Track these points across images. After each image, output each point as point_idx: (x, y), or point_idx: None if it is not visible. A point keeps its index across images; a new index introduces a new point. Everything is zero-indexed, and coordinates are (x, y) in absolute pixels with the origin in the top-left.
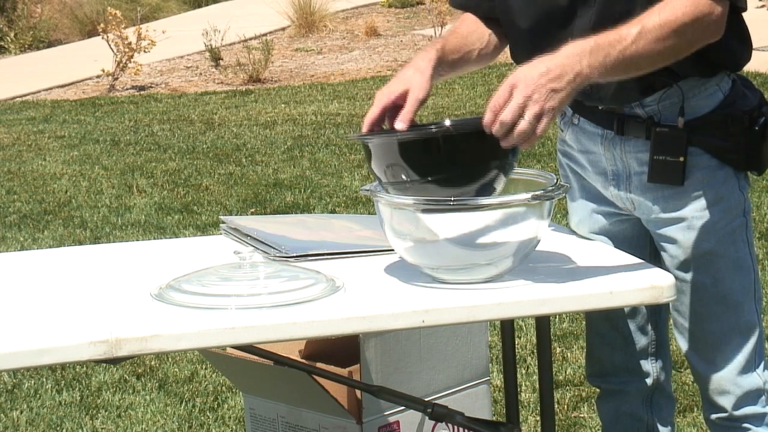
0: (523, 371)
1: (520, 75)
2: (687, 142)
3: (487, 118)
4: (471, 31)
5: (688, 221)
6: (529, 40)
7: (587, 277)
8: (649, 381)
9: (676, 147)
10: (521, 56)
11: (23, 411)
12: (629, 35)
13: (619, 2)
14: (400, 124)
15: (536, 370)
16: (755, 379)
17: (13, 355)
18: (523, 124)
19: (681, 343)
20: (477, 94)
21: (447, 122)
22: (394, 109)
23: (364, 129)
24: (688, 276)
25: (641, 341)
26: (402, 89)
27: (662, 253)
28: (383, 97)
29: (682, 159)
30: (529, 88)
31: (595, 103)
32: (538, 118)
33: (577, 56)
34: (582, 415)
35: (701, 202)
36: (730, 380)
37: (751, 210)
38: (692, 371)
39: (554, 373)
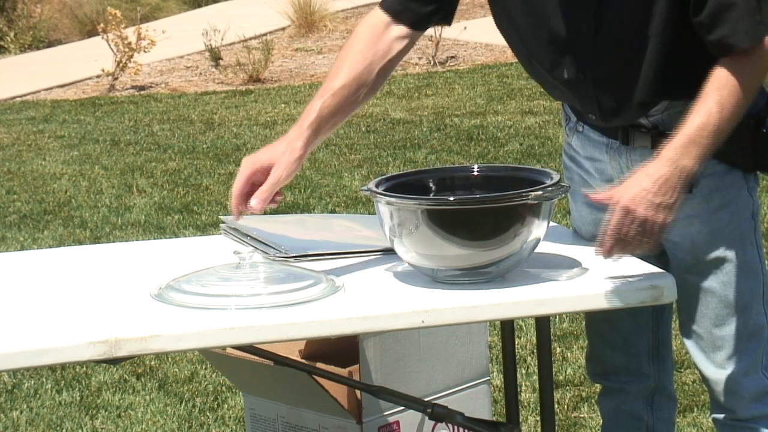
0: (523, 371)
1: (629, 195)
2: None
3: (606, 244)
4: (354, 76)
5: (696, 227)
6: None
7: (587, 277)
8: (650, 382)
9: None
10: (521, 54)
11: (23, 411)
12: (710, 116)
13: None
14: (254, 201)
15: (536, 370)
16: (763, 380)
17: (13, 355)
18: (643, 244)
19: (688, 344)
20: (477, 94)
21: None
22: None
23: (233, 208)
24: (696, 280)
25: (642, 342)
26: (268, 163)
27: (670, 257)
28: (247, 167)
29: None
30: (641, 207)
31: (596, 123)
32: (660, 230)
33: (675, 158)
34: (582, 415)
35: (709, 208)
36: (737, 382)
37: (759, 211)
38: (699, 373)
39: (554, 373)
